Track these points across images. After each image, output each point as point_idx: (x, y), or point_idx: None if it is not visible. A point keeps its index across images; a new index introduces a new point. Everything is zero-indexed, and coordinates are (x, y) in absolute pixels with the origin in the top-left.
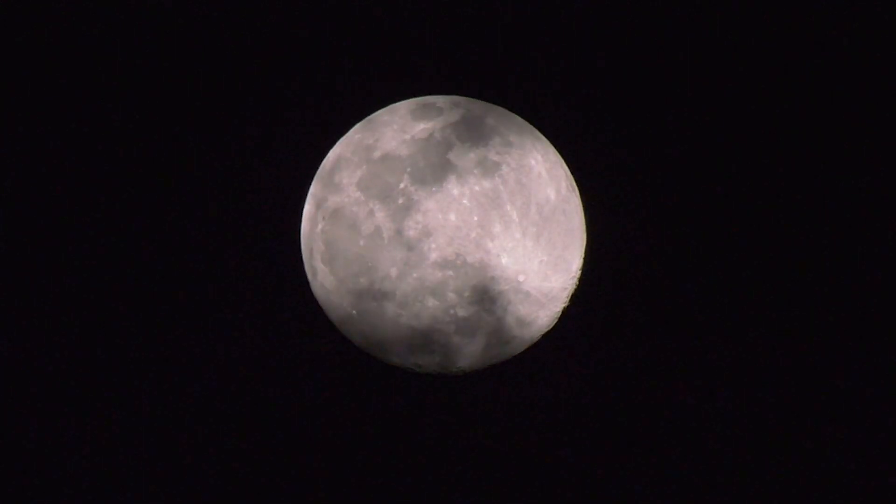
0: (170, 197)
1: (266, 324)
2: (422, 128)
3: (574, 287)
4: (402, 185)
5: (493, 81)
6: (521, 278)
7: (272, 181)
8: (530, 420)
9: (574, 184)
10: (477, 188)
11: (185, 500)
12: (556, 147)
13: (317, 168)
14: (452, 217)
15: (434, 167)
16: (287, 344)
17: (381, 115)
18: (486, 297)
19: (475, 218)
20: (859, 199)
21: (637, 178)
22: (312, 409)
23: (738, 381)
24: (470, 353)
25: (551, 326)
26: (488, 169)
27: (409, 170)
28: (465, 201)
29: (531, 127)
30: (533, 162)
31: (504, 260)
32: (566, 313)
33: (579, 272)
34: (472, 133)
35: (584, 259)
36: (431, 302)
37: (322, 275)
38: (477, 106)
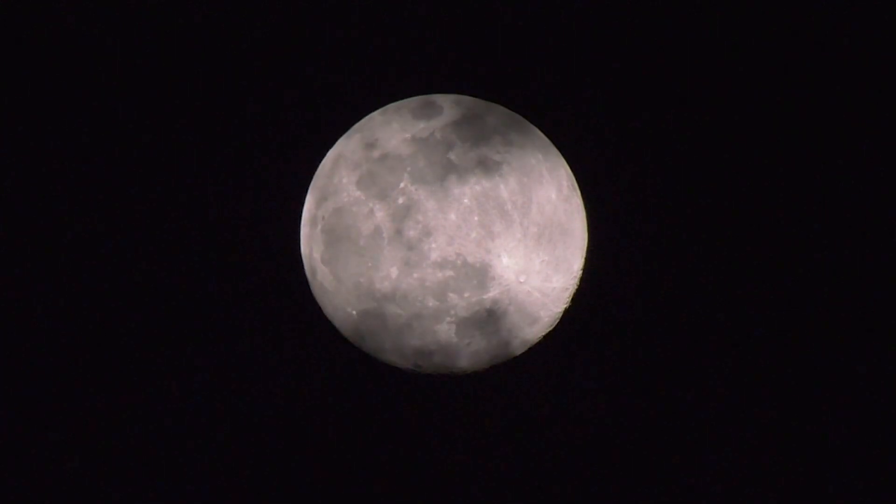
0: (169, 197)
1: (265, 324)
2: (422, 127)
3: (575, 287)
4: (402, 185)
5: (493, 80)
6: (521, 278)
7: (272, 181)
8: (532, 421)
9: (575, 183)
10: (478, 188)
11: (185, 500)
12: (557, 146)
13: (316, 167)
14: (453, 217)
15: (434, 166)
16: (286, 344)
17: (382, 114)
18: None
19: (476, 218)
20: (860, 200)
21: (639, 178)
22: (311, 410)
23: (740, 381)
24: (470, 354)
25: (553, 327)
26: (489, 168)
27: (409, 169)
28: (465, 201)
29: (532, 126)
30: (534, 161)
31: (505, 260)
32: (567, 314)
33: (581, 272)
34: (472, 132)
35: (586, 259)
36: (432, 302)
37: (322, 275)
38: (478, 105)
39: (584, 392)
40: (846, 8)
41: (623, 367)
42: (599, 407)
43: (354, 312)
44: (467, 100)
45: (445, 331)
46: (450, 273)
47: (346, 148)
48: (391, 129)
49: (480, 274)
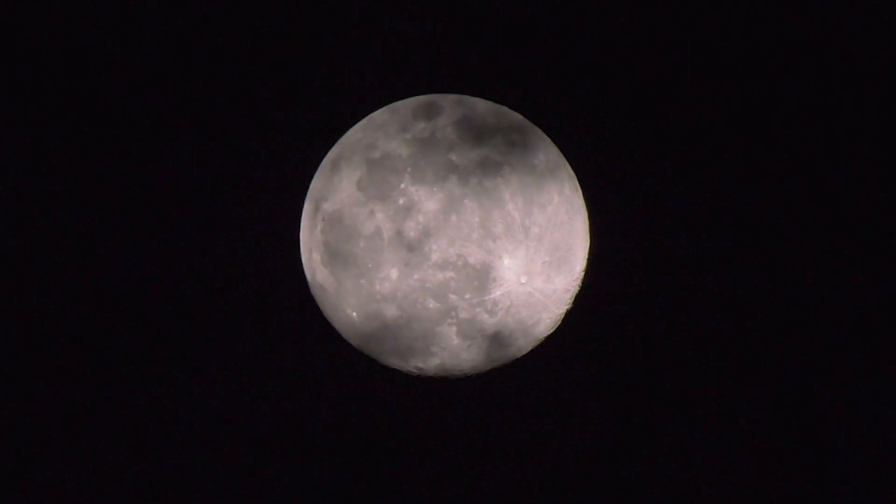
0: (169, 197)
1: (264, 325)
2: (423, 127)
3: (578, 288)
4: (402, 185)
5: (495, 80)
6: (523, 280)
7: (271, 181)
8: (533, 424)
9: (577, 184)
10: (479, 188)
11: (185, 500)
12: (558, 146)
13: (316, 168)
14: (454, 217)
15: (435, 167)
16: (285, 346)
17: (382, 113)
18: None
19: (477, 218)
20: (861, 199)
21: (641, 178)
22: (310, 413)
23: (742, 382)
24: (471, 356)
25: (554, 329)
26: (490, 169)
27: (409, 170)
28: (466, 201)
29: (534, 126)
30: (535, 161)
31: (506, 261)
32: (570, 315)
33: (583, 273)
34: (473, 132)
35: (588, 260)
36: (432, 304)
37: (321, 276)
38: (479, 105)
39: (586, 394)
40: (846, 8)
41: (625, 368)
42: (602, 409)
43: (354, 314)
44: (468, 100)
45: (446, 332)
46: (451, 274)
47: (345, 148)
48: (391, 130)
49: (482, 275)
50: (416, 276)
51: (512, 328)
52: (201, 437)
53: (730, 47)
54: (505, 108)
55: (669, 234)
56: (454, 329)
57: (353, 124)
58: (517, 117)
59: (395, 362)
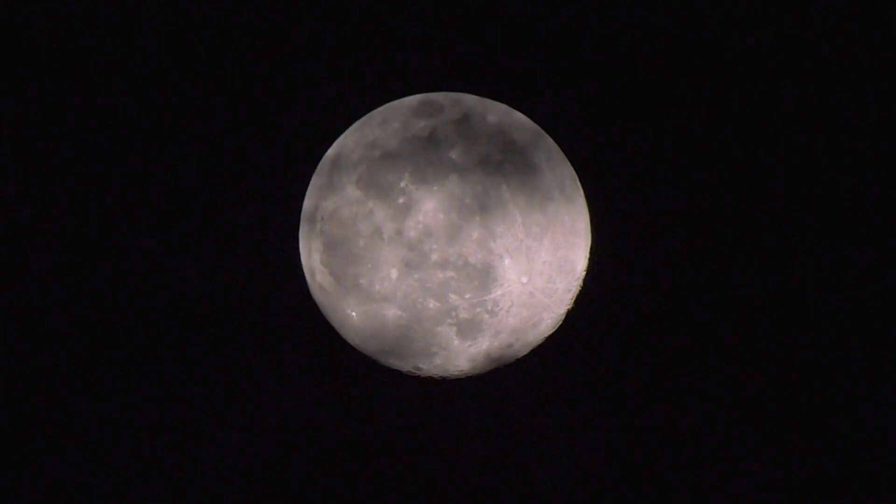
0: (168, 197)
1: (264, 326)
2: (423, 126)
3: (579, 288)
4: (402, 184)
5: (495, 79)
6: (524, 280)
7: (270, 180)
8: (534, 425)
9: (578, 182)
10: (479, 187)
11: (185, 500)
12: (559, 145)
13: (316, 167)
14: (454, 217)
15: (435, 165)
16: (285, 346)
17: (382, 112)
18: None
19: (477, 218)
20: (862, 199)
21: (643, 177)
22: (310, 413)
23: (744, 383)
24: (472, 357)
25: (556, 329)
26: (491, 168)
27: (409, 168)
28: (467, 200)
29: (534, 124)
30: (536, 160)
31: (507, 261)
32: (571, 315)
33: (584, 273)
34: (474, 131)
35: (590, 260)
36: (433, 303)
37: (321, 276)
38: (479, 103)
39: (587, 394)
40: (846, 8)
41: (626, 369)
42: (603, 409)
43: (354, 314)
44: (468, 98)
45: (446, 332)
46: (451, 274)
47: (345, 147)
48: (391, 128)
49: (482, 275)
50: (416, 276)
51: (513, 329)
52: (201, 437)
53: (731, 47)
54: (505, 106)
55: (672, 234)
56: (454, 329)
57: (353, 122)
58: (518, 116)
59: (394, 362)
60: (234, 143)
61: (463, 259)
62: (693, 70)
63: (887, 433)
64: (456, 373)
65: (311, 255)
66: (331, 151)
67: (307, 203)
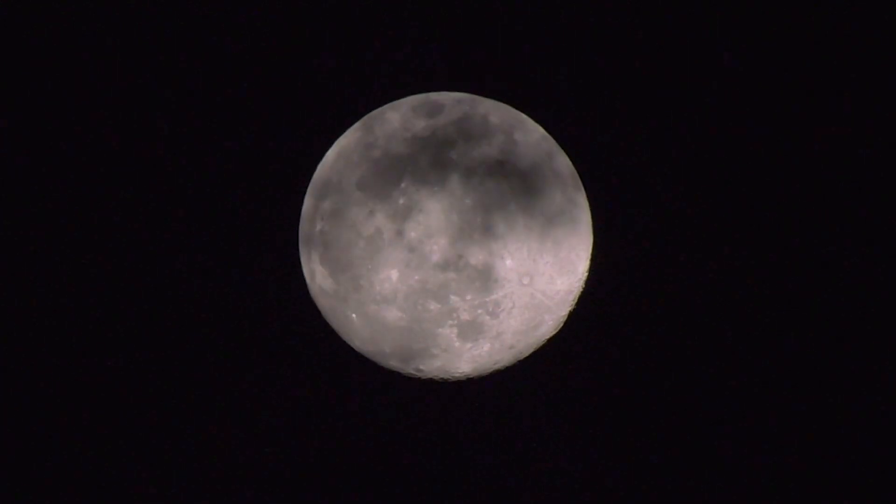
0: (168, 197)
1: (263, 327)
2: (423, 125)
3: (581, 289)
4: (403, 185)
5: (496, 78)
6: (525, 281)
7: (270, 180)
8: (535, 427)
9: (580, 183)
10: (480, 187)
11: (185, 500)
12: (561, 145)
13: (315, 167)
14: (455, 217)
15: (436, 166)
16: (284, 348)
17: (382, 112)
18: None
19: (478, 218)
20: (862, 199)
21: (645, 177)
22: (310, 415)
23: (745, 384)
24: (472, 359)
25: (557, 330)
26: (492, 168)
27: (410, 169)
28: (467, 201)
29: (536, 124)
30: (538, 160)
31: (508, 262)
32: (573, 317)
33: (586, 274)
34: (475, 131)
35: (591, 260)
36: (433, 305)
37: (321, 277)
38: (480, 103)
39: (589, 396)
40: (846, 8)
41: (628, 370)
42: (604, 411)
43: (354, 316)
44: (469, 98)
45: (447, 334)
46: (452, 275)
47: (345, 147)
48: (392, 128)
49: (483, 276)
50: (416, 277)
51: (514, 330)
52: (203, 440)
53: (732, 47)
54: (506, 106)
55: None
56: (455, 331)
57: (354, 122)
58: (519, 115)
59: (394, 364)
60: (233, 143)
61: (464, 260)
62: (697, 68)
63: (887, 433)
64: (456, 375)
65: (312, 257)
66: (331, 151)
67: (307, 204)
